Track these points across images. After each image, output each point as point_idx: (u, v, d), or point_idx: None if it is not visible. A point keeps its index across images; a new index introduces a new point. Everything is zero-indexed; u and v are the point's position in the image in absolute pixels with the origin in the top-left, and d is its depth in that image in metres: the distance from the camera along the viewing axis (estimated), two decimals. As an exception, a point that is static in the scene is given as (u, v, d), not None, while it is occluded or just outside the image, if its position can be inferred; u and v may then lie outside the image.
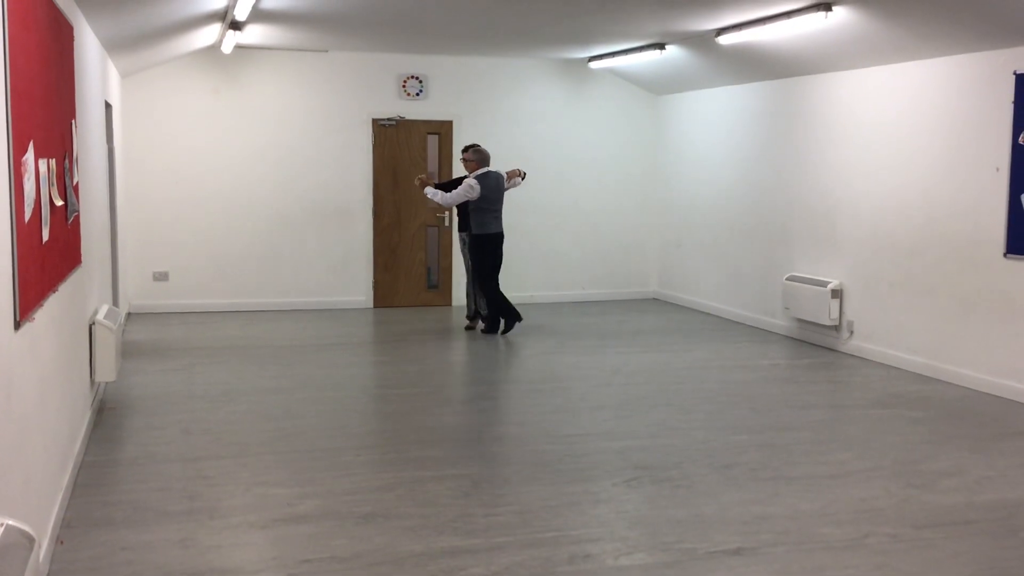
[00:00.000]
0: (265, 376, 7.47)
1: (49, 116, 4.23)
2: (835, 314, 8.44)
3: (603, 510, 4.60)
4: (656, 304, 11.48)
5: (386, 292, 11.06)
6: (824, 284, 8.53)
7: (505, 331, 9.28)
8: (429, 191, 9.22)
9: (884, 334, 8.01)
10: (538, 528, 4.33)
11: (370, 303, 10.99)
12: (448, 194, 9.14)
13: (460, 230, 9.60)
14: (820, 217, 8.79)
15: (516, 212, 11.31)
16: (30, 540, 2.71)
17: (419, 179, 9.48)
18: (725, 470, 5.19)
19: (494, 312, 9.25)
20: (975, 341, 7.12)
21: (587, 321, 10.24)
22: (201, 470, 5.13)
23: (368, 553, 4.03)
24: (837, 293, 8.45)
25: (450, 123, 11.10)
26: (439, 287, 11.29)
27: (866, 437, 5.90)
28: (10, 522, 2.67)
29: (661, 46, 9.37)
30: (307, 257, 10.77)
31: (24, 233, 3.46)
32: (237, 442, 5.69)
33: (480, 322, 9.51)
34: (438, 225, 11.18)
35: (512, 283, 11.36)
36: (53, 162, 4.28)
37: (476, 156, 9.21)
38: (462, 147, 9.69)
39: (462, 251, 9.63)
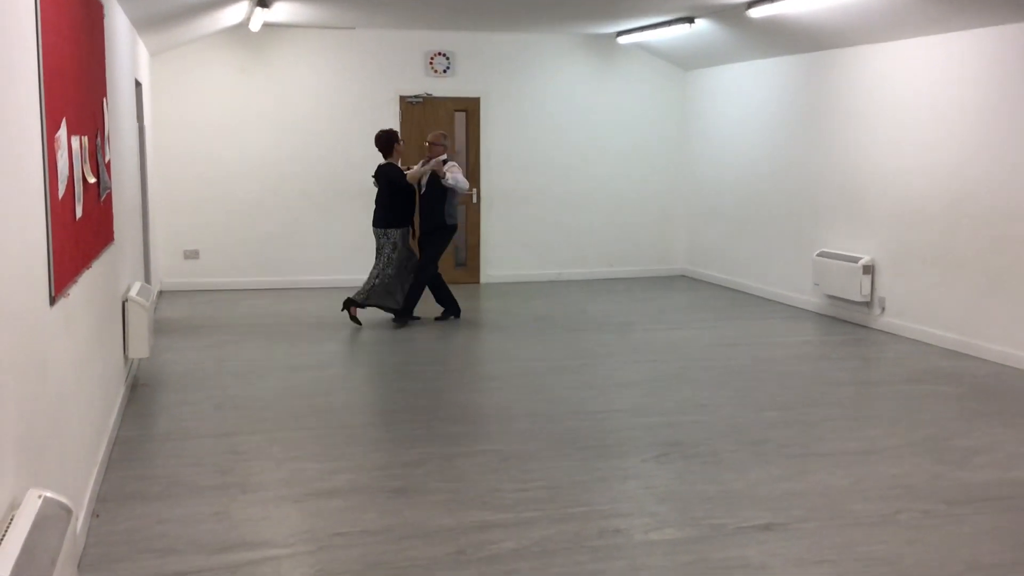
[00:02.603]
0: (295, 353, 7.52)
1: (81, 94, 4.26)
2: (866, 290, 8.37)
3: (632, 486, 4.60)
4: (684, 281, 11.43)
5: (414, 269, 11.07)
6: (855, 260, 8.45)
7: (442, 318, 8.83)
8: (451, 178, 8.40)
9: (916, 310, 7.94)
10: (567, 503, 4.34)
11: (398, 280, 11.01)
12: (463, 179, 8.55)
13: (395, 225, 8.40)
14: (851, 192, 8.71)
15: (543, 190, 11.30)
16: (68, 512, 2.75)
17: (439, 162, 8.48)
18: (754, 446, 5.18)
19: (412, 303, 8.65)
20: (1008, 317, 7.03)
21: (615, 298, 10.22)
22: (233, 445, 5.18)
23: (399, 527, 4.06)
24: (868, 269, 8.37)
25: (477, 100, 11.07)
26: (467, 265, 11.30)
27: (897, 413, 5.86)
28: (48, 494, 2.71)
29: (690, 20, 9.29)
30: (335, 235, 10.80)
31: (58, 209, 3.50)
32: (268, 418, 5.74)
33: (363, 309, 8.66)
34: (466, 203, 11.17)
35: (540, 261, 11.37)
36: (85, 139, 4.32)
37: (448, 143, 8.77)
38: (434, 132, 8.81)
39: (382, 244, 8.45)
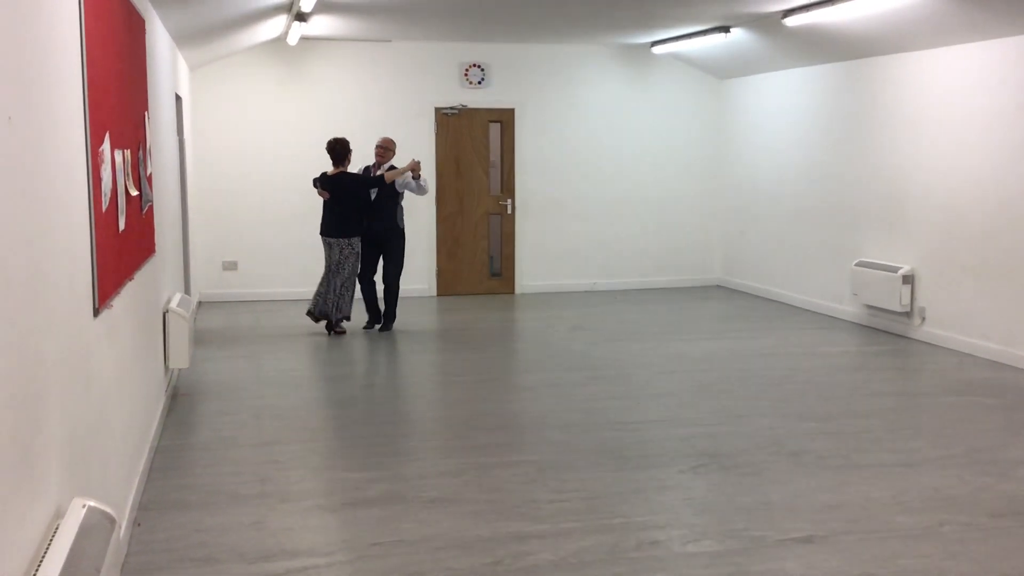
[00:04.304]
0: (332, 363, 7.56)
1: (124, 108, 4.33)
2: (906, 300, 8.27)
3: (670, 497, 4.58)
4: (720, 291, 11.37)
5: (449, 280, 11.12)
6: (895, 269, 8.36)
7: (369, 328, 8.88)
8: (423, 180, 8.68)
9: (957, 320, 7.83)
10: (604, 514, 4.32)
11: (433, 291, 11.05)
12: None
13: (357, 233, 8.46)
14: (890, 201, 8.62)
15: (578, 200, 11.30)
16: (111, 521, 2.79)
17: (417, 163, 8.66)
18: (794, 457, 5.13)
19: (378, 308, 8.84)
20: (1053, 327, 6.92)
21: (650, 308, 10.18)
22: (272, 454, 5.22)
23: (436, 537, 4.07)
24: (908, 279, 8.27)
25: (512, 111, 11.09)
26: (502, 275, 11.32)
27: (939, 425, 5.79)
28: (92, 503, 2.75)
29: (726, 29, 9.26)
30: (372, 246, 10.85)
31: (101, 222, 3.55)
32: (306, 427, 5.77)
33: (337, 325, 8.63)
34: (501, 213, 11.20)
35: (575, 271, 11.36)
36: (128, 153, 4.38)
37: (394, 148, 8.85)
38: (384, 138, 8.88)
39: (347, 255, 8.42)
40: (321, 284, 8.58)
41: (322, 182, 8.57)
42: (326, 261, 8.60)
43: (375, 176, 8.56)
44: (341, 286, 8.45)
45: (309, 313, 8.61)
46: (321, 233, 8.61)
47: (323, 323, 8.68)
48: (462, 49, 10.88)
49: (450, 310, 10.23)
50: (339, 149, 8.54)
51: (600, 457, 5.15)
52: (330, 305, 8.47)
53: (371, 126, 10.77)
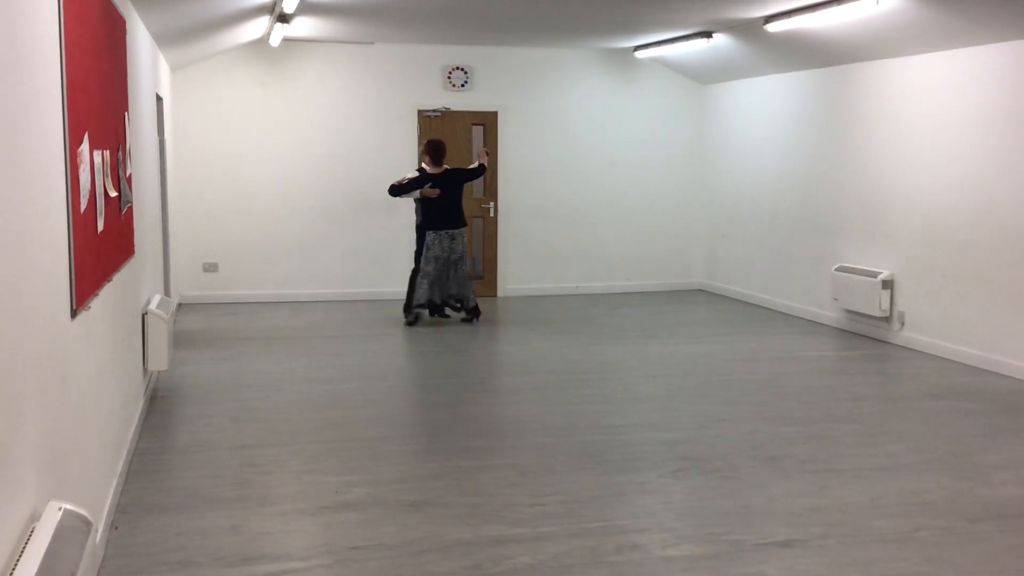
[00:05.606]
0: (313, 366, 7.54)
1: (103, 108, 4.30)
2: (886, 305, 8.32)
3: (650, 501, 4.59)
4: (702, 295, 11.40)
5: (432, 283, 11.08)
6: (875, 275, 8.41)
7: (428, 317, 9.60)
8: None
9: (936, 326, 7.88)
10: (585, 518, 4.33)
11: (416, 294, 11.02)
12: None
13: (459, 224, 9.21)
14: (870, 207, 8.67)
15: (561, 203, 11.31)
16: (87, 524, 2.77)
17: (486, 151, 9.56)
18: (773, 462, 5.15)
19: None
20: (1030, 333, 6.97)
21: (632, 312, 10.20)
22: (251, 458, 5.19)
23: (416, 541, 4.06)
24: (888, 284, 8.32)
25: (495, 114, 11.10)
26: (484, 278, 11.31)
27: (918, 429, 5.82)
28: (68, 506, 2.73)
29: (708, 34, 9.29)
30: (353, 248, 10.84)
31: (80, 223, 3.53)
32: (286, 430, 5.75)
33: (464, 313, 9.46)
34: (483, 216, 11.20)
35: (557, 275, 11.37)
36: (107, 153, 4.35)
37: None
38: (430, 141, 9.31)
39: (458, 249, 9.19)
40: (433, 278, 9.09)
41: (434, 181, 9.06)
42: (441, 255, 9.06)
43: (479, 165, 9.32)
44: (462, 274, 9.21)
45: (420, 307, 9.16)
46: (440, 228, 9.06)
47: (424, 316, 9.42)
48: (445, 52, 10.88)
49: (432, 313, 10.20)
50: (442, 149, 9.19)
51: (581, 461, 5.16)
52: (462, 293, 9.20)
53: (353, 128, 10.77)
